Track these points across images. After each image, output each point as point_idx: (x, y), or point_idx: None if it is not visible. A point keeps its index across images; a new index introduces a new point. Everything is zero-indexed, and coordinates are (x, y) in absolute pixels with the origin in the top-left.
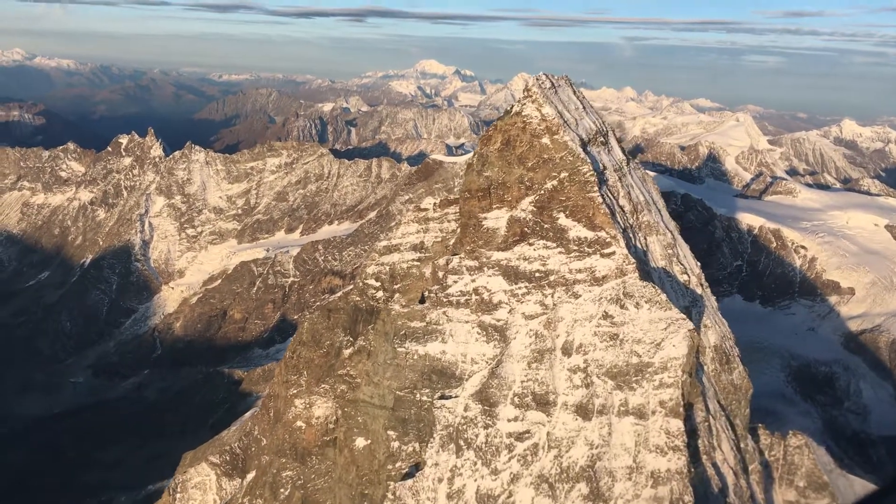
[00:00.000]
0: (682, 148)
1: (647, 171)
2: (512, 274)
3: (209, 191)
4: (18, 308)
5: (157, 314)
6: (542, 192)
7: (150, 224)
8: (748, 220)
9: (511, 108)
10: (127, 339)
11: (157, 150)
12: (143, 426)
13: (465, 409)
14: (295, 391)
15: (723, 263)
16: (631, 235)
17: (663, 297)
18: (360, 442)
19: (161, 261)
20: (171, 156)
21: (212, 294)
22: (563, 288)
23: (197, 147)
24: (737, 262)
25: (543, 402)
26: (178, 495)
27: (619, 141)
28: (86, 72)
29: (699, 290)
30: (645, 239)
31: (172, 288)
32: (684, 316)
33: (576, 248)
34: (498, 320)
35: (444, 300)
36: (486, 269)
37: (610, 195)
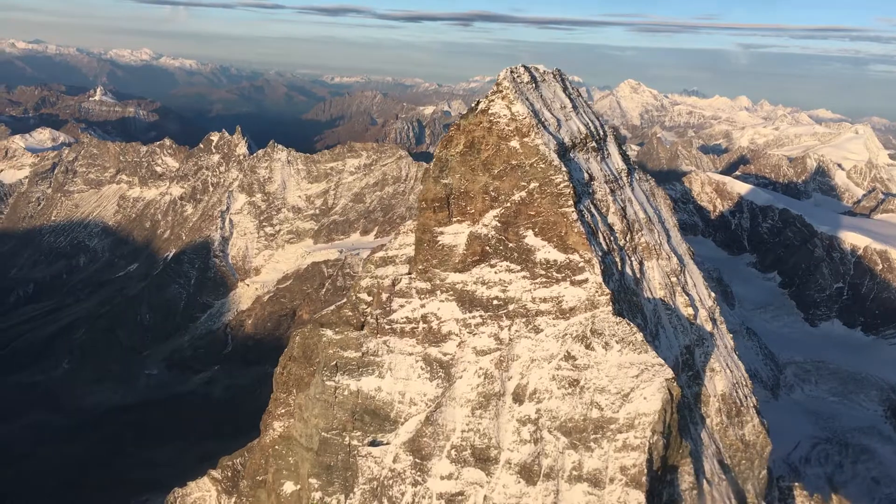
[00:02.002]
0: (790, 160)
1: (742, 184)
2: (467, 300)
3: (289, 190)
4: (104, 298)
5: (231, 311)
6: (509, 204)
7: (231, 221)
8: (852, 239)
9: (476, 104)
10: (201, 333)
11: (241, 148)
12: (203, 424)
13: (395, 461)
14: (282, 411)
15: (821, 285)
16: (617, 259)
17: (639, 336)
18: (289, 487)
19: (239, 258)
20: (254, 154)
21: (283, 293)
22: (524, 320)
23: (279, 146)
24: (837, 284)
25: (484, 458)
26: None
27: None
28: (206, 72)
29: (708, 327)
30: (640, 264)
31: (248, 285)
32: (662, 361)
33: (542, 272)
34: (445, 354)
35: (387, 327)
36: (438, 292)
37: (593, 211)
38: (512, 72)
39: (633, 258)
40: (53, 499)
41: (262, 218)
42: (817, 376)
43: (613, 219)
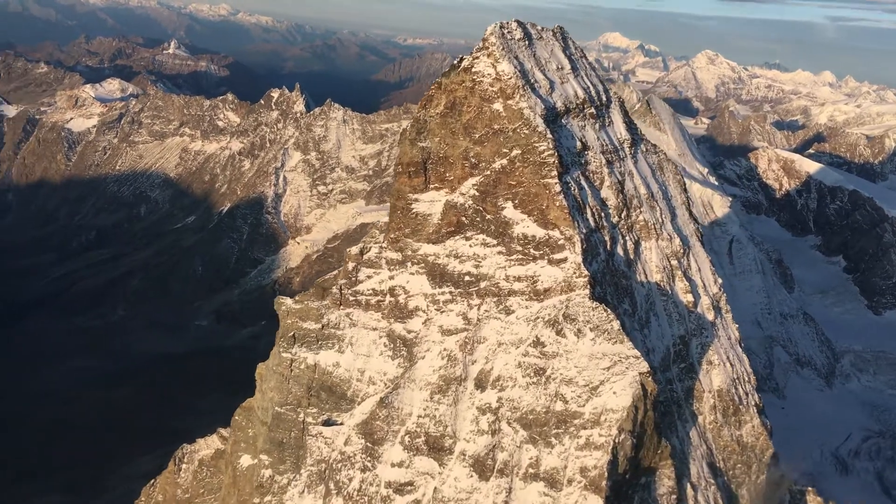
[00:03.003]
0: (869, 139)
1: (811, 162)
2: (438, 274)
3: (343, 149)
4: (161, 248)
5: (281, 267)
6: (489, 172)
7: (285, 178)
8: None
9: (460, 60)
10: (251, 288)
11: (299, 106)
12: (246, 377)
13: (346, 443)
14: None
15: (888, 272)
16: (607, 238)
17: (615, 325)
18: (246, 460)
19: (291, 215)
20: (311, 112)
21: (331, 253)
22: (495, 299)
23: (336, 105)
24: None
25: (437, 447)
26: (182, 465)
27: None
28: (281, 29)
29: (710, 316)
30: (636, 244)
31: (298, 243)
32: (637, 354)
33: (519, 248)
34: (409, 332)
35: (351, 298)
36: (409, 264)
37: (583, 183)
38: (502, 27)
39: (627, 237)
40: (95, 442)
41: (315, 176)
42: (876, 367)
43: (607, 193)
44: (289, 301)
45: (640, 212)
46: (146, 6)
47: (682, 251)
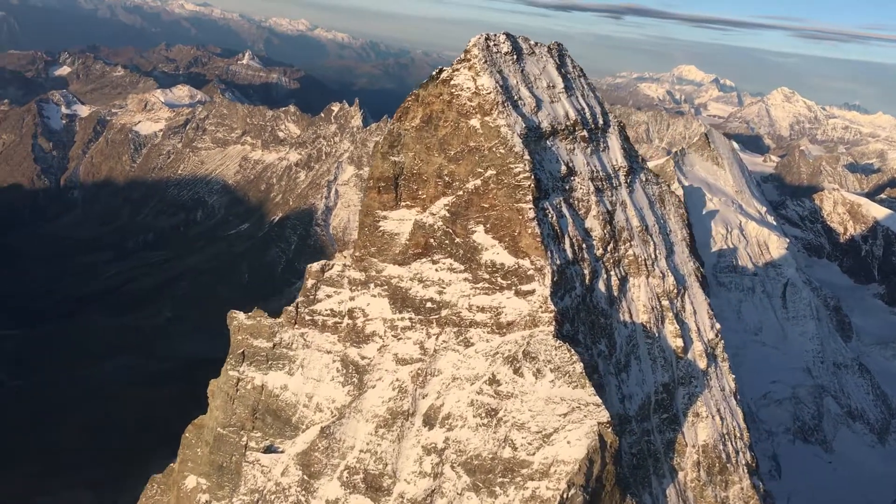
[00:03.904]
0: None
1: (881, 208)
2: (399, 299)
3: None
4: (213, 253)
5: None
6: (462, 192)
7: (337, 191)
8: None
9: (439, 72)
10: (294, 299)
11: (356, 120)
12: None
13: (283, 473)
14: None
15: None
16: (586, 271)
17: (577, 367)
18: (191, 481)
19: (340, 228)
20: (367, 127)
21: None
22: (455, 329)
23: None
24: None
25: (375, 487)
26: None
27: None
28: (356, 46)
29: (702, 364)
30: (622, 280)
31: (345, 256)
32: (599, 401)
33: (486, 276)
34: (363, 358)
35: (307, 318)
36: (372, 285)
37: (564, 211)
38: (488, 39)
39: (613, 272)
40: (128, 440)
41: None
42: None
43: (593, 223)
44: (241, 316)
45: (630, 245)
46: (228, 18)
47: (675, 291)
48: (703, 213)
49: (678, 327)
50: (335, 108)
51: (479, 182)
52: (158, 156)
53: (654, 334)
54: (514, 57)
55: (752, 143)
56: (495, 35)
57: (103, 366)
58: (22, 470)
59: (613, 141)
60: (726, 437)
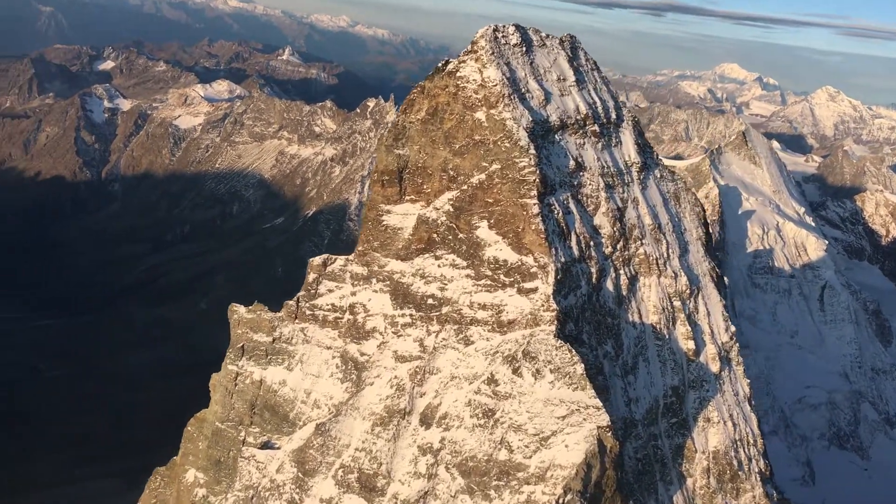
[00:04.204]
0: None
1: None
2: (401, 294)
3: None
4: (248, 247)
5: None
6: (466, 187)
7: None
8: None
9: (445, 63)
10: None
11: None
12: None
13: (279, 470)
14: None
15: None
16: (593, 270)
17: (578, 368)
18: (191, 475)
19: None
20: None
21: None
22: (455, 327)
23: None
24: None
25: (369, 487)
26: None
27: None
28: (396, 43)
29: (714, 367)
30: (632, 280)
31: None
32: (599, 404)
33: (489, 272)
34: (363, 354)
35: (308, 313)
36: (374, 280)
37: (571, 207)
38: (496, 30)
39: (622, 271)
40: (158, 430)
41: None
42: None
43: (602, 220)
44: (242, 309)
45: (642, 244)
46: (270, 14)
47: (688, 292)
48: (739, 213)
49: (690, 329)
50: (370, 103)
51: (483, 176)
52: (197, 149)
53: (665, 336)
54: (523, 49)
55: (795, 142)
56: (504, 26)
57: (137, 357)
58: (53, 458)
59: (627, 136)
60: (739, 443)
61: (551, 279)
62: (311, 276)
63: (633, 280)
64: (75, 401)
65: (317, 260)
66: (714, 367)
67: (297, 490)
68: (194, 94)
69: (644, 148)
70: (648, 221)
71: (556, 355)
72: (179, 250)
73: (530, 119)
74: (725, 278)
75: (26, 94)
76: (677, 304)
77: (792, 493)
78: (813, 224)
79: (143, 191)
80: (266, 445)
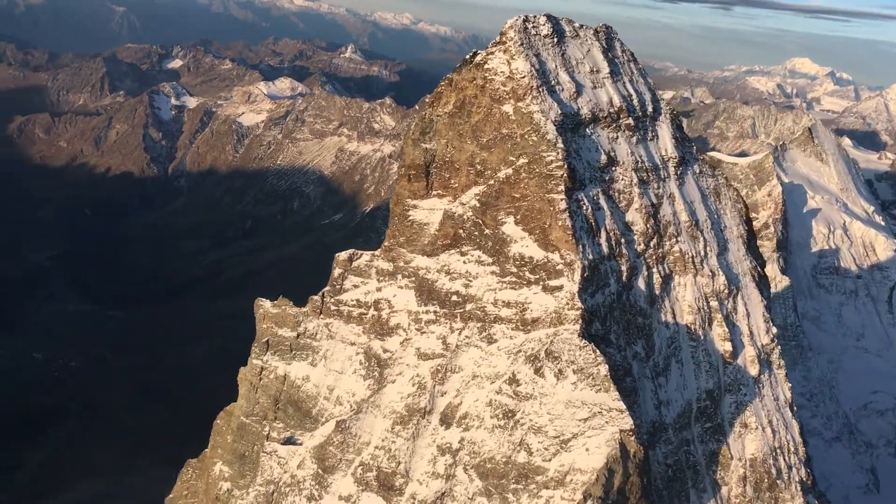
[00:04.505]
0: None
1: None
2: (426, 291)
3: None
4: (308, 243)
5: None
6: (493, 182)
7: None
8: None
9: (473, 55)
10: None
11: None
12: None
13: (300, 466)
14: None
15: None
16: (623, 267)
17: (602, 369)
18: (218, 469)
19: None
20: None
21: None
22: (479, 325)
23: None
24: None
25: (387, 486)
26: None
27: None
28: (458, 40)
29: (753, 371)
30: (666, 278)
31: None
32: (623, 407)
33: (514, 269)
34: (385, 351)
35: (333, 308)
36: (399, 276)
37: (602, 203)
38: (525, 21)
39: (655, 269)
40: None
41: None
42: None
43: (635, 216)
44: (267, 304)
45: (677, 241)
46: (335, 13)
47: (726, 291)
48: (804, 211)
49: (727, 330)
50: (429, 99)
51: (510, 171)
52: (259, 146)
53: (700, 337)
54: (555, 40)
55: (868, 139)
56: (535, 17)
57: (197, 349)
58: (113, 445)
59: (664, 130)
60: (778, 450)
61: (577, 277)
62: (336, 271)
63: (667, 279)
64: (138, 390)
65: (343, 255)
66: (752, 370)
67: (317, 486)
68: (257, 91)
69: (682, 142)
70: (685, 218)
71: (580, 355)
72: (241, 245)
73: (559, 112)
74: (787, 278)
75: (98, 92)
76: (714, 304)
77: (856, 501)
78: (883, 223)
79: (207, 187)
80: (289, 441)
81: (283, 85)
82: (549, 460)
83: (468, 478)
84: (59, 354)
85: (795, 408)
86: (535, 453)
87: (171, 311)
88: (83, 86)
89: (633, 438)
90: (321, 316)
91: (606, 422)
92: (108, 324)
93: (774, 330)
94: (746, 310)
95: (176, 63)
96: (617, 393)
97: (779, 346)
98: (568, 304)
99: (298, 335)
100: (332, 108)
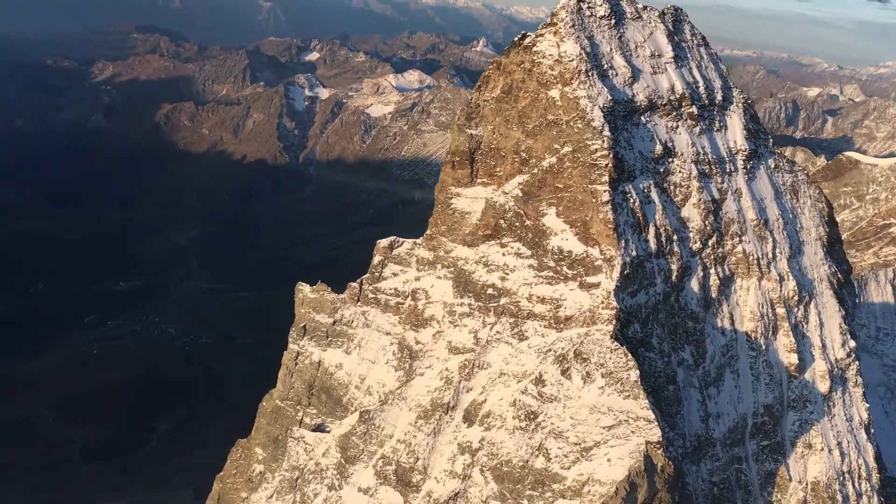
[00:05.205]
0: None
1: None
2: (463, 283)
3: None
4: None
5: None
6: (536, 171)
7: None
8: None
9: (522, 37)
10: None
11: None
12: None
13: (325, 454)
14: None
15: None
16: (674, 267)
17: (633, 375)
18: (255, 451)
19: None
20: None
21: None
22: (511, 320)
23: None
24: None
25: (405, 482)
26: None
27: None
28: None
29: (823, 387)
30: (726, 281)
31: None
32: (651, 416)
33: (552, 264)
34: (418, 343)
35: (371, 296)
36: (439, 266)
37: (654, 197)
38: (580, 1)
39: (712, 270)
40: None
41: None
42: None
43: (691, 212)
44: (306, 289)
45: (741, 241)
46: (471, 6)
47: (796, 298)
48: None
49: (794, 341)
50: (477, 84)
51: (554, 159)
52: (385, 137)
53: (761, 346)
54: (612, 21)
55: None
56: None
57: None
58: (227, 420)
59: (734, 120)
60: (846, 475)
61: (616, 274)
62: (376, 259)
63: (726, 281)
64: (259, 366)
65: (383, 242)
66: (822, 386)
67: (338, 476)
68: (386, 83)
69: (756, 134)
70: (752, 216)
71: (610, 358)
72: (362, 233)
73: (609, 98)
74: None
75: (240, 82)
76: (781, 311)
77: None
78: None
79: (334, 175)
80: (319, 428)
81: (412, 77)
82: (568, 468)
83: (484, 480)
84: (191, 330)
85: (873, 430)
86: (553, 459)
87: (287, 296)
88: (227, 76)
89: (660, 451)
90: (358, 303)
91: (632, 431)
92: (237, 303)
93: (853, 343)
94: (820, 320)
95: (313, 56)
96: (647, 401)
97: (857, 362)
98: (603, 302)
99: (335, 322)
100: (458, 100)
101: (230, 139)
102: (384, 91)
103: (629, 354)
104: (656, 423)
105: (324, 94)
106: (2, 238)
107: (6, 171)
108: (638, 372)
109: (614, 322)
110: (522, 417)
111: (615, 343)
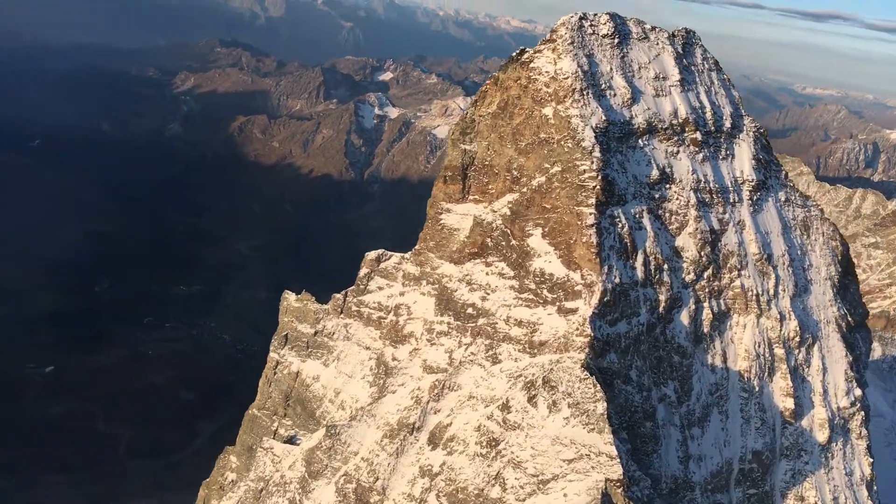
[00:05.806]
0: None
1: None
2: (445, 301)
3: None
4: None
5: None
6: (526, 190)
7: None
8: None
9: (520, 52)
10: None
11: None
12: None
13: (290, 467)
14: None
15: None
16: (662, 297)
17: (599, 407)
18: (230, 459)
19: None
20: None
21: None
22: (487, 342)
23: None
24: None
25: (363, 501)
26: None
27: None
28: None
29: (821, 436)
30: (720, 316)
31: None
32: (614, 452)
33: (533, 286)
34: (395, 359)
35: (354, 308)
36: (424, 282)
37: (645, 223)
38: (582, 18)
39: (706, 304)
40: None
41: None
42: None
43: (686, 241)
44: (291, 297)
45: (740, 275)
46: (546, 34)
47: (797, 339)
48: None
49: (792, 384)
50: (473, 99)
51: (543, 179)
52: None
53: (755, 388)
54: (615, 40)
55: None
56: (595, 15)
57: None
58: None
59: (743, 149)
60: None
61: (595, 300)
62: (363, 271)
63: (721, 316)
64: None
65: (371, 254)
66: (821, 435)
67: (301, 491)
68: (454, 105)
69: (767, 165)
70: (754, 250)
71: (578, 388)
72: None
73: (604, 118)
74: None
75: (314, 98)
76: (779, 352)
77: None
78: None
79: (397, 194)
80: (291, 440)
81: None
82: (523, 500)
83: None
84: (245, 338)
85: (876, 487)
86: (509, 490)
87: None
88: (301, 92)
89: (619, 490)
90: (341, 315)
91: (593, 467)
92: None
93: (858, 392)
94: (823, 364)
95: (386, 76)
96: (610, 436)
97: (862, 413)
98: (578, 329)
99: (316, 332)
100: None
101: (299, 153)
102: (452, 113)
103: (598, 385)
104: (618, 461)
105: (393, 113)
106: (76, 237)
107: (89, 172)
108: (605, 404)
109: (587, 350)
110: (484, 444)
111: (585, 372)
